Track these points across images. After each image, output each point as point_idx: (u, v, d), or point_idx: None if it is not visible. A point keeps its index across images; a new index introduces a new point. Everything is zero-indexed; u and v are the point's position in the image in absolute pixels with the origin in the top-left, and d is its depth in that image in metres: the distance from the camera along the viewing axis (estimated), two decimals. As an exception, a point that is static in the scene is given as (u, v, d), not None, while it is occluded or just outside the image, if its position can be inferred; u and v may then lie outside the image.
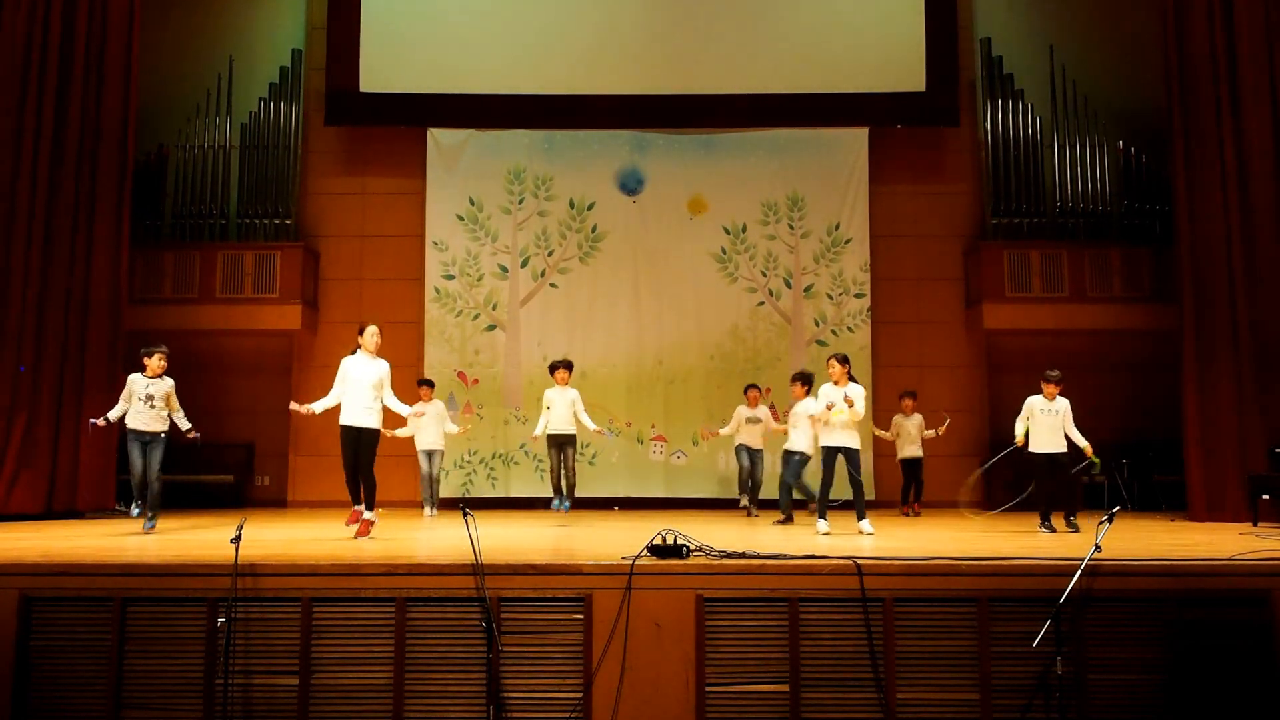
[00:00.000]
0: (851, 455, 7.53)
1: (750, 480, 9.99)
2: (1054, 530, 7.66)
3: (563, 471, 8.68)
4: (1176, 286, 10.16)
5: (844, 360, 7.63)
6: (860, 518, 7.54)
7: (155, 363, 7.66)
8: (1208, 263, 9.72)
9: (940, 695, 4.96)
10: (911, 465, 10.44)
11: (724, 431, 10.18)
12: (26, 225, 9.61)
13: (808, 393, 8.78)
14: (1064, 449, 7.93)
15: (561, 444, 8.68)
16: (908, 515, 10.25)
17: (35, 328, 9.58)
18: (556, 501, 8.79)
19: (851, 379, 7.64)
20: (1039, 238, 11.92)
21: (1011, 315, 11.68)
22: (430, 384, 10.16)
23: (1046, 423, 7.91)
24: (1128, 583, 5.06)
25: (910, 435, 10.38)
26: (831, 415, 7.57)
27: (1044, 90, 12.19)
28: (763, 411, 10.06)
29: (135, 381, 7.64)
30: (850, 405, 7.36)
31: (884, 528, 8.08)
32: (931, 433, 10.28)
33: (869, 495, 11.71)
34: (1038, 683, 4.88)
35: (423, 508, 10.24)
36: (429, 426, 9.89)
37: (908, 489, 10.47)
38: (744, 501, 10.05)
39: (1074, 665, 4.92)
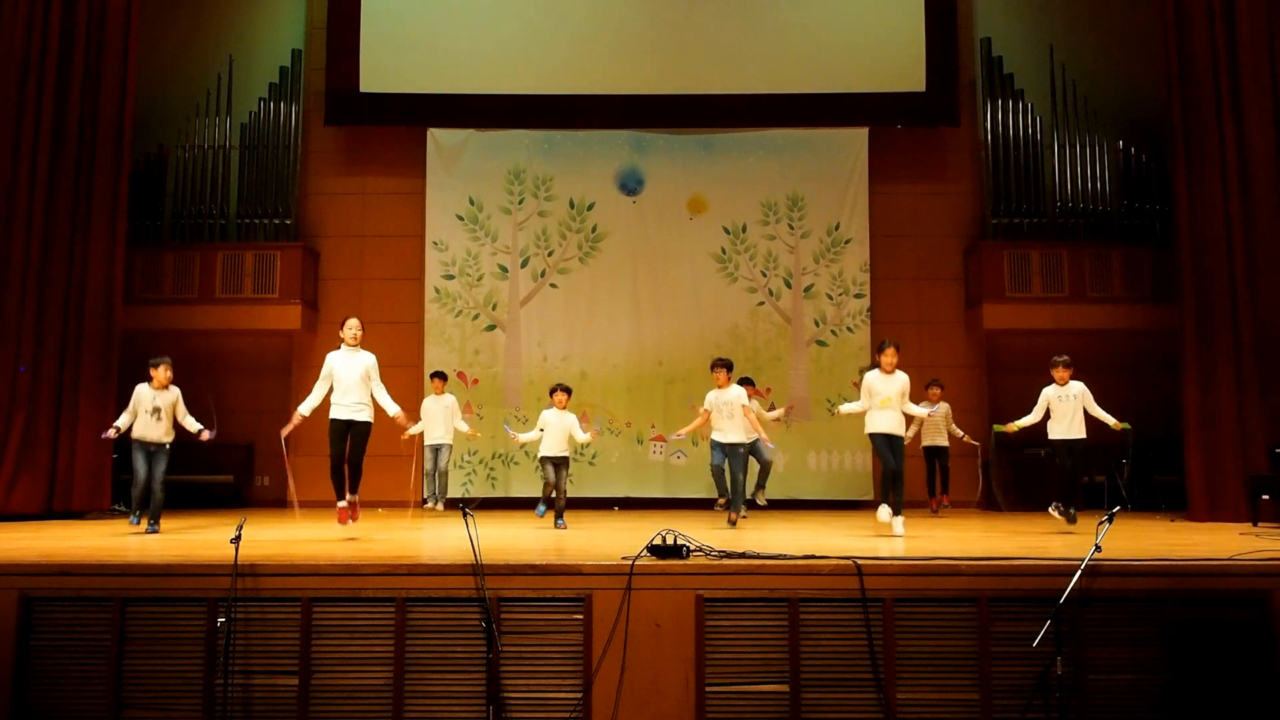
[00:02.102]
0: (897, 444, 7.50)
1: (761, 468, 9.57)
2: (1073, 519, 7.64)
3: (555, 489, 8.55)
4: (1176, 286, 10.15)
5: (898, 348, 7.57)
6: (896, 513, 7.36)
7: (161, 374, 7.69)
8: (1208, 263, 9.71)
9: (940, 695, 4.96)
10: (936, 453, 10.27)
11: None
12: (25, 225, 9.62)
13: (729, 379, 8.43)
14: (1083, 435, 7.86)
15: (557, 465, 8.54)
16: (936, 511, 10.05)
17: (34, 328, 9.59)
18: (542, 508, 8.67)
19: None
20: (1039, 238, 11.91)
21: (1011, 315, 11.67)
22: (443, 377, 10.14)
23: (1065, 409, 7.86)
24: (1127, 583, 5.06)
25: (936, 425, 10.19)
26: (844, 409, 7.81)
27: (1044, 90, 12.18)
28: (755, 403, 9.86)
29: (143, 395, 7.67)
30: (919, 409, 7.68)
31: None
32: (961, 432, 10.14)
33: (869, 495, 11.72)
34: (1038, 683, 4.88)
35: (424, 502, 10.22)
36: (437, 420, 9.84)
37: (932, 478, 10.27)
38: (760, 499, 9.61)
39: (1074, 665, 4.92)
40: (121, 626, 5.03)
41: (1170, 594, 5.03)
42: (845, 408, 7.93)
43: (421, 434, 9.93)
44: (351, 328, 6.99)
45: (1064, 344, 11.61)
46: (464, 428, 10.00)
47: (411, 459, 10.81)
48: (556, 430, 8.47)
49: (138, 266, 11.44)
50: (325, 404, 6.98)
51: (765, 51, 12.13)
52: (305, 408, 6.97)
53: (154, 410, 7.62)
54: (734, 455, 8.35)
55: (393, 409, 7.00)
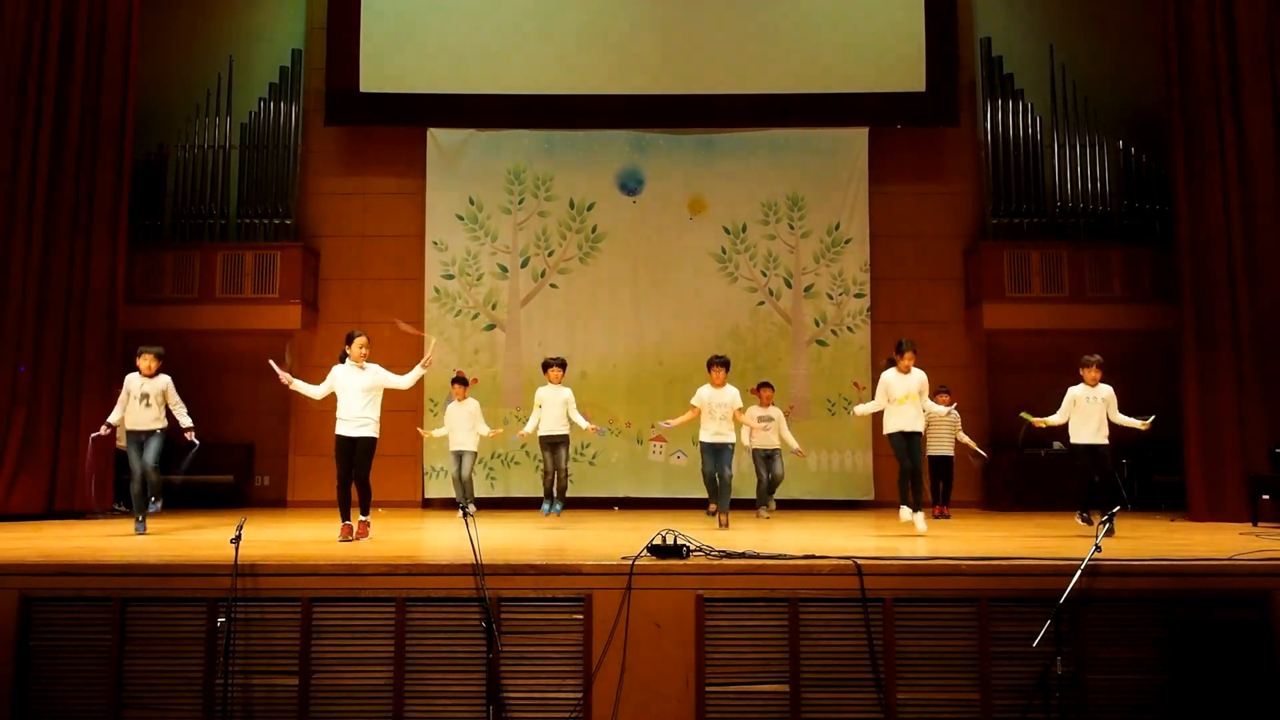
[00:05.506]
0: (915, 441, 7.50)
1: (769, 481, 9.57)
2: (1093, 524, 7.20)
3: (555, 475, 8.45)
4: (1176, 286, 10.15)
5: (916, 350, 7.59)
6: (916, 510, 7.38)
7: (144, 362, 7.60)
8: (1208, 263, 9.71)
9: (940, 695, 4.96)
10: (940, 463, 10.03)
11: (744, 441, 9.49)
12: (25, 225, 9.62)
13: (726, 379, 8.35)
14: (1106, 440, 7.64)
15: (554, 445, 8.41)
16: (938, 517, 9.97)
17: (35, 328, 9.58)
18: (547, 505, 8.55)
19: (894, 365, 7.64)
20: (1039, 238, 11.91)
21: (1011, 315, 11.66)
22: (464, 382, 9.84)
23: (1091, 411, 7.60)
24: (1127, 583, 5.06)
25: (942, 433, 9.96)
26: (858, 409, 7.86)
27: (1044, 90, 12.18)
28: (775, 411, 9.72)
29: (131, 380, 7.63)
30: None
31: (895, 527, 7.86)
32: (968, 439, 9.92)
33: (869, 495, 11.73)
34: (1038, 683, 4.88)
35: (458, 508, 10.13)
36: (461, 427, 9.65)
37: (935, 486, 10.05)
38: (764, 512, 9.55)
39: (1074, 665, 4.92)
40: (121, 626, 5.03)
41: (1170, 594, 5.03)
42: (861, 408, 7.89)
43: (445, 439, 9.82)
44: (361, 346, 6.87)
45: (1064, 344, 11.64)
46: (486, 431, 9.66)
47: (415, 459, 10.85)
48: (553, 406, 8.30)
49: (138, 266, 11.44)
50: (331, 415, 6.96)
51: (765, 51, 12.13)
52: (299, 383, 7.00)
53: (142, 396, 7.52)
54: (719, 454, 8.12)
55: (407, 381, 6.96)
